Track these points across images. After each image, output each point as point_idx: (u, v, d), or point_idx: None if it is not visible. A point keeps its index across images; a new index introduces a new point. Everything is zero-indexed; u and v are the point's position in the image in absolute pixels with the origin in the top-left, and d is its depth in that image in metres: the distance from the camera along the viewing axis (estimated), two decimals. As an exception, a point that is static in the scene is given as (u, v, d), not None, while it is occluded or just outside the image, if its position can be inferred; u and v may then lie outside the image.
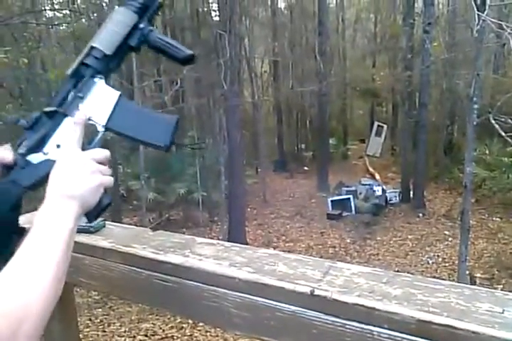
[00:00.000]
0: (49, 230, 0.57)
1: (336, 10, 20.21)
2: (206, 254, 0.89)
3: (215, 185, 10.69)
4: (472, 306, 0.69)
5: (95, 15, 11.51)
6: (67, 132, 0.69)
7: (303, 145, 19.95)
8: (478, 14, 5.59)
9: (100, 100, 0.73)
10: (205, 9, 14.36)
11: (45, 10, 12.23)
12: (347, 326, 0.72)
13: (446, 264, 9.33)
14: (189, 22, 13.78)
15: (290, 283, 0.77)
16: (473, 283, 8.04)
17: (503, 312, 0.67)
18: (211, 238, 10.46)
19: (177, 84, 8.22)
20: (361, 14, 22.64)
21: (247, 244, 9.77)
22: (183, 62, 0.78)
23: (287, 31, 18.21)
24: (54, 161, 0.66)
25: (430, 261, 9.55)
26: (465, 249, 7.00)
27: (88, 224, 0.97)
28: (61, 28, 12.26)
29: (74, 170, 0.63)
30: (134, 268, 0.90)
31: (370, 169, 16.53)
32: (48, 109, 0.69)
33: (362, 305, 0.71)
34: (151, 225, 8.40)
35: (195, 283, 0.85)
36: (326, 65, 14.69)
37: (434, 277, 8.60)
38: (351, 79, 19.04)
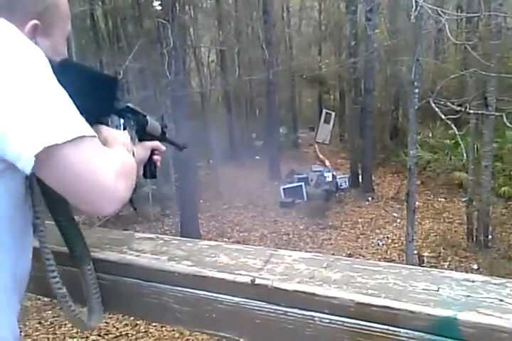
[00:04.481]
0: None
1: (280, -2, 20.18)
2: (144, 250, 0.86)
3: (165, 177, 10.52)
4: (409, 286, 0.70)
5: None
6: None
7: (253, 135, 19.97)
8: (415, 0, 5.74)
9: None
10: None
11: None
12: (288, 313, 0.72)
13: (396, 245, 9.65)
14: (131, 11, 13.38)
15: (230, 273, 0.76)
16: (421, 262, 8.38)
17: (438, 290, 0.69)
18: (163, 232, 10.32)
19: (120, 75, 7.98)
20: (306, 2, 22.75)
21: (200, 236, 9.70)
22: None
23: (232, 20, 18.05)
24: None
25: (380, 243, 9.85)
26: (411, 230, 7.27)
27: None
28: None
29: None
30: (69, 268, 0.86)
31: (320, 156, 16.80)
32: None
33: (302, 292, 0.71)
34: (100, 222, 8.16)
35: (133, 280, 0.83)
36: (273, 54, 14.70)
37: (385, 258, 8.89)
38: (298, 68, 19.17)
